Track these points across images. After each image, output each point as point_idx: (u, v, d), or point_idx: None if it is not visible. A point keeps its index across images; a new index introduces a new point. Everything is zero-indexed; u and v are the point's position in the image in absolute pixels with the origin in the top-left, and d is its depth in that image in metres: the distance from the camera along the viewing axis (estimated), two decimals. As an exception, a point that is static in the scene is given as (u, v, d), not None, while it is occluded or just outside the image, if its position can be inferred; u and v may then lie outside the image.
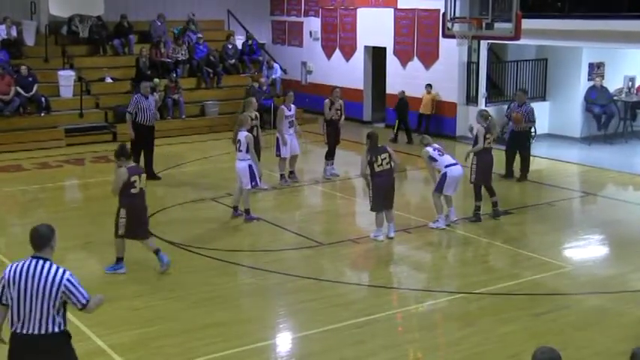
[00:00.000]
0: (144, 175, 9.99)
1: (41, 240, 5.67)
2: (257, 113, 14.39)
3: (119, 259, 10.03)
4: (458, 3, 16.88)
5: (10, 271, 5.64)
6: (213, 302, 9.21)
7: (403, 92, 19.60)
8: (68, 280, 5.59)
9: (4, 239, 12.16)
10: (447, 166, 11.93)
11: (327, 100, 15.30)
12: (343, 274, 10.36)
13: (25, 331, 5.59)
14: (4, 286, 5.64)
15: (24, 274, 5.57)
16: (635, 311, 9.06)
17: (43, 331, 5.57)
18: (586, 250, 11.59)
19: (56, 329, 5.62)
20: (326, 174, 15.48)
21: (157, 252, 10.02)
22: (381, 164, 11.21)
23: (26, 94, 18.74)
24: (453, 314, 9.10)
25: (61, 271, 5.61)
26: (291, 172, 15.01)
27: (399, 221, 11.69)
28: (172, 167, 16.48)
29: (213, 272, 10.29)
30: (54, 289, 5.54)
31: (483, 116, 12.66)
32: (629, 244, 11.68)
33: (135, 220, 9.79)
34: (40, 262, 5.61)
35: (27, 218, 13.43)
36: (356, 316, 8.75)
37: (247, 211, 12.46)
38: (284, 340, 8.49)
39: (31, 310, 5.55)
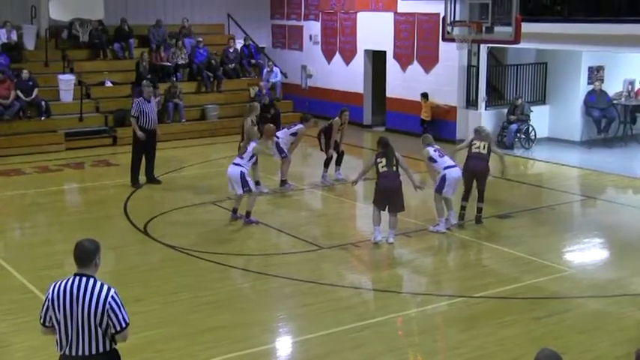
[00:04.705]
0: None
1: (85, 256, 5.33)
2: (255, 119, 14.41)
3: None
4: (458, 7, 16.94)
5: (52, 291, 5.35)
6: (213, 306, 9.20)
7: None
8: (112, 297, 5.31)
9: (4, 243, 12.15)
10: (445, 168, 11.93)
11: (337, 119, 15.05)
12: (344, 278, 10.34)
13: (74, 353, 5.32)
14: (47, 308, 5.36)
15: (67, 293, 5.29)
16: (635, 315, 9.05)
17: (93, 352, 5.31)
18: (586, 253, 11.58)
19: (107, 348, 5.36)
20: (325, 180, 15.33)
21: None
22: (385, 165, 11.24)
23: (26, 99, 18.76)
24: (454, 318, 9.08)
25: (105, 288, 5.33)
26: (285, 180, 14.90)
27: (399, 225, 11.66)
28: (172, 171, 16.48)
29: (213, 276, 10.29)
30: (99, 308, 5.26)
31: (476, 130, 12.71)
32: (629, 247, 11.68)
33: None
34: (84, 279, 5.31)
35: (27, 222, 13.47)
36: (356, 319, 8.74)
37: (248, 214, 12.44)
38: (284, 344, 8.49)
39: (78, 331, 5.29)
